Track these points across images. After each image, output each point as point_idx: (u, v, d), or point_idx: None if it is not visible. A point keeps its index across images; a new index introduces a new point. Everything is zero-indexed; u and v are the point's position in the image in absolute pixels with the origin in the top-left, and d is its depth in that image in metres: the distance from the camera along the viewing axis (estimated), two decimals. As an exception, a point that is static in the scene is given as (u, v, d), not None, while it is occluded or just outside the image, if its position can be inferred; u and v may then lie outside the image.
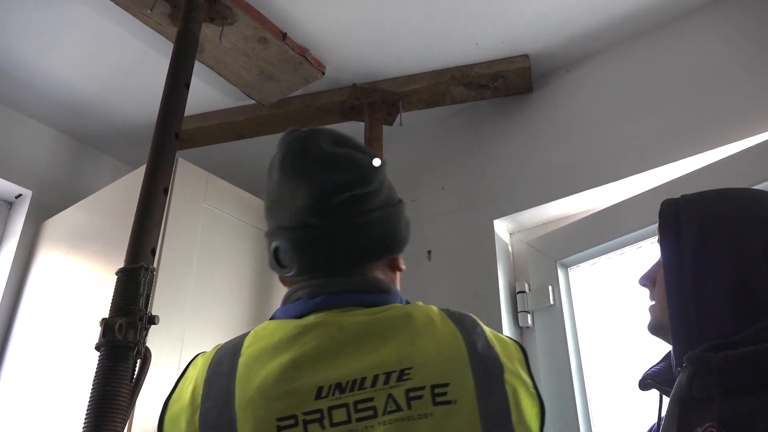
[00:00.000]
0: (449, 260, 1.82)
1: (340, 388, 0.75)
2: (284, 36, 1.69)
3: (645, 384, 0.95)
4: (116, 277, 1.12)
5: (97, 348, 1.05)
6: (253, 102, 1.95)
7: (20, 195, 2.00)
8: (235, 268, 1.55)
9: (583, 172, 1.66)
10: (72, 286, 1.61)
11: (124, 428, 0.99)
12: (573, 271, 1.67)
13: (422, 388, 0.74)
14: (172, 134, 1.32)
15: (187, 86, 1.41)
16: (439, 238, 1.88)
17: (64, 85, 1.94)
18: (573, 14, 1.67)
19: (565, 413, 1.49)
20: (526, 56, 1.80)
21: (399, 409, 0.73)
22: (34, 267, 1.84)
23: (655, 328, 0.95)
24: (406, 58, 1.83)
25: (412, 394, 0.74)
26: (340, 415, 0.73)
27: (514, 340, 0.86)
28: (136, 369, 1.05)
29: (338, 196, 0.86)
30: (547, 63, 1.84)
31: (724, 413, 0.75)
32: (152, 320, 1.09)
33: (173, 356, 1.35)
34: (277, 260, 0.91)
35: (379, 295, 0.87)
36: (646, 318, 0.97)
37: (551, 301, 1.61)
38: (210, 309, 1.48)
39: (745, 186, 1.32)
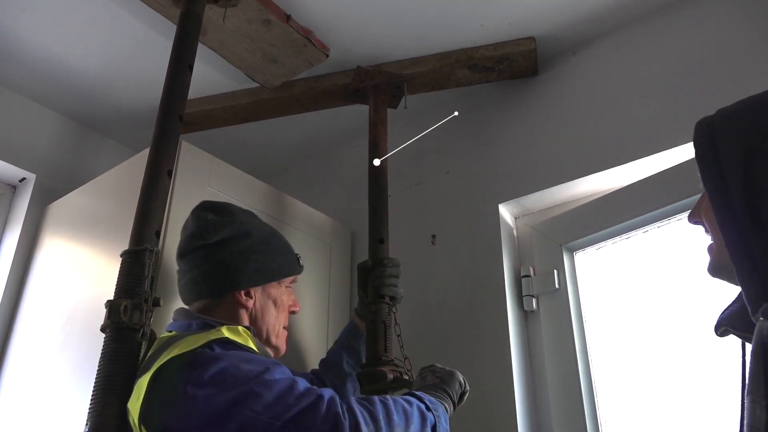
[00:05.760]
0: (454, 244, 1.82)
1: None
2: (288, 18, 1.67)
3: (721, 330, 0.81)
4: (121, 259, 1.12)
5: (103, 330, 1.06)
6: (256, 85, 1.94)
7: (24, 179, 2.00)
8: (239, 252, 1.55)
9: (589, 156, 1.65)
10: (77, 269, 1.61)
11: (130, 409, 0.99)
12: (578, 256, 1.66)
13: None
14: (176, 116, 1.31)
15: (191, 68, 1.40)
16: (444, 222, 1.87)
17: (67, 69, 1.93)
18: (580, -5, 1.65)
19: (569, 396, 1.49)
20: (532, 38, 1.78)
21: None
22: (39, 250, 1.84)
23: (716, 270, 0.82)
24: (411, 40, 1.81)
25: None
26: None
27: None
28: (142, 350, 1.05)
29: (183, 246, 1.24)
30: (553, 45, 1.82)
31: None
32: (157, 302, 1.09)
33: (178, 339, 1.35)
34: None
35: (180, 322, 1.16)
36: (706, 259, 0.84)
37: (556, 285, 1.61)
38: (215, 292, 1.48)
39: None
